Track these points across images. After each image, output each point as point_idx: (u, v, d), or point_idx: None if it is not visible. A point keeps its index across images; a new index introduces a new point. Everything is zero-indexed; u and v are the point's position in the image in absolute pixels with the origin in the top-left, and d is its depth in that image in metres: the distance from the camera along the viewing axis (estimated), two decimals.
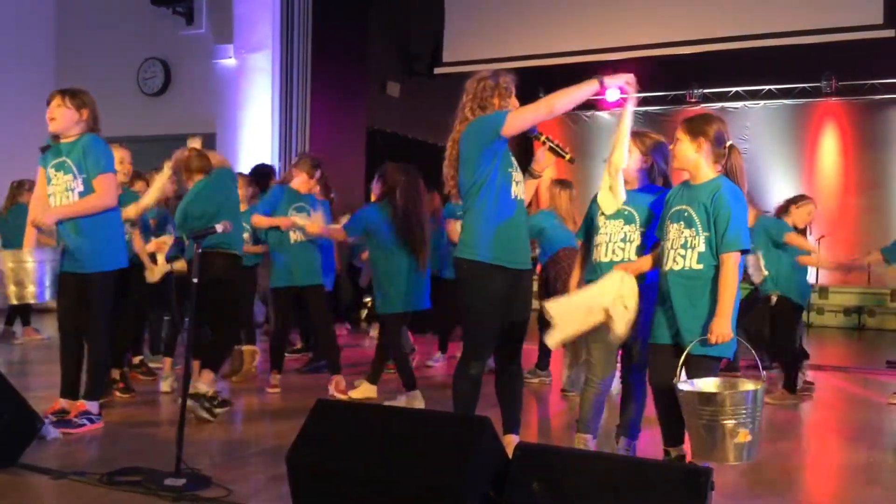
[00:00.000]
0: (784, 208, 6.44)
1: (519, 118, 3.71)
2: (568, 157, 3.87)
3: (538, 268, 6.49)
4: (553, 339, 3.85)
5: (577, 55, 10.54)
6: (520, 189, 3.84)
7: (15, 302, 4.50)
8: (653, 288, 3.73)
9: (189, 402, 4.85)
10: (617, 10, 10.21)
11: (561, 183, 6.27)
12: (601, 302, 3.70)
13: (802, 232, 6.46)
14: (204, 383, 4.98)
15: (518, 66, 8.96)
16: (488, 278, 3.75)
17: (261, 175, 7.18)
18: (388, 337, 5.58)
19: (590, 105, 14.18)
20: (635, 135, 3.91)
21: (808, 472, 4.41)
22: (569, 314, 3.76)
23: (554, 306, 3.80)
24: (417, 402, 5.32)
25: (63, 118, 4.48)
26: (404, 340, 7.13)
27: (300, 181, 5.96)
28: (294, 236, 5.79)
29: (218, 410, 4.93)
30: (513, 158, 3.84)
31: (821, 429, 5.69)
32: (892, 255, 6.32)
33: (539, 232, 6.17)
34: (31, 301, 4.45)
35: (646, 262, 3.78)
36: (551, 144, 3.86)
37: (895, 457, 4.73)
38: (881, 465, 4.46)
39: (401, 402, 5.33)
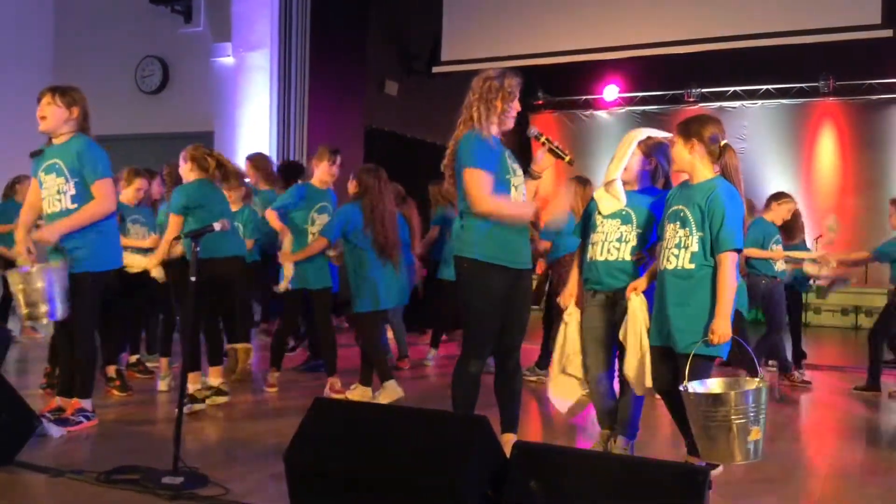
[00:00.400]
0: (766, 204, 6.62)
1: (469, 186, 3.68)
2: (567, 158, 3.88)
3: (538, 267, 6.49)
4: (643, 388, 3.85)
5: (576, 54, 10.55)
6: (518, 193, 3.83)
7: (28, 323, 4.49)
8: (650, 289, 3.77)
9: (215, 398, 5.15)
10: (615, 9, 10.20)
11: (578, 179, 6.23)
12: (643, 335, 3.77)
13: (782, 228, 6.50)
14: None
15: (517, 64, 8.96)
16: (488, 277, 3.75)
17: (291, 171, 7.18)
18: (361, 334, 5.59)
19: (588, 105, 14.21)
20: None
21: (804, 471, 4.41)
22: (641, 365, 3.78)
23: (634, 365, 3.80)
24: (394, 391, 5.35)
25: (53, 117, 4.45)
26: (400, 345, 7.14)
27: (322, 171, 5.87)
28: (311, 239, 5.74)
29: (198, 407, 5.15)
30: (511, 164, 3.82)
31: (818, 428, 5.70)
32: (883, 256, 6.39)
33: (557, 233, 6.18)
34: (45, 321, 4.43)
35: (651, 274, 3.81)
36: (551, 146, 3.86)
37: (892, 456, 4.75)
38: (878, 464, 4.47)
39: (378, 395, 5.38)
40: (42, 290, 4.30)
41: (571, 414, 4.20)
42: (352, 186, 5.55)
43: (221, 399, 5.31)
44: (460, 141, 3.77)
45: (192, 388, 5.13)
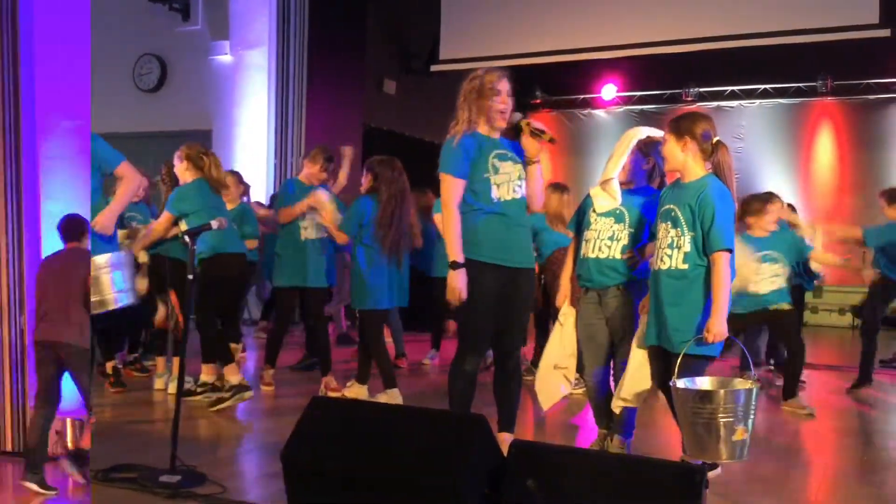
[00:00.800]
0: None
1: (441, 189, 3.80)
2: (548, 137, 3.85)
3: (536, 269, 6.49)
4: (619, 404, 3.88)
5: (574, 53, 10.55)
6: (504, 190, 3.78)
7: (98, 310, 4.45)
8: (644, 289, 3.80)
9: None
10: (614, 8, 10.20)
11: (553, 186, 6.22)
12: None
13: None
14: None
15: (515, 63, 8.97)
16: (482, 276, 3.74)
17: None
18: (366, 333, 5.52)
19: (586, 104, 14.21)
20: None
21: (801, 471, 4.42)
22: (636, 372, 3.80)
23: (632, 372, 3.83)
24: (396, 400, 5.28)
25: None
26: (397, 343, 7.11)
27: (311, 172, 5.83)
28: (304, 234, 5.71)
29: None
30: (495, 162, 3.77)
31: (814, 427, 5.70)
32: (872, 237, 6.35)
33: (535, 234, 6.16)
34: (112, 307, 4.39)
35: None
36: (532, 129, 3.84)
37: (889, 455, 4.75)
38: (875, 464, 4.47)
39: (378, 398, 5.31)
40: (108, 278, 4.32)
41: (550, 403, 4.23)
42: (366, 181, 5.41)
43: (248, 394, 5.21)
44: (445, 143, 3.81)
45: (224, 382, 5.22)
